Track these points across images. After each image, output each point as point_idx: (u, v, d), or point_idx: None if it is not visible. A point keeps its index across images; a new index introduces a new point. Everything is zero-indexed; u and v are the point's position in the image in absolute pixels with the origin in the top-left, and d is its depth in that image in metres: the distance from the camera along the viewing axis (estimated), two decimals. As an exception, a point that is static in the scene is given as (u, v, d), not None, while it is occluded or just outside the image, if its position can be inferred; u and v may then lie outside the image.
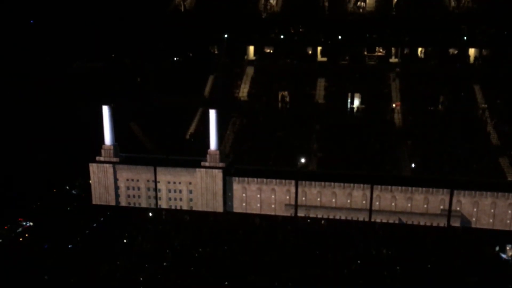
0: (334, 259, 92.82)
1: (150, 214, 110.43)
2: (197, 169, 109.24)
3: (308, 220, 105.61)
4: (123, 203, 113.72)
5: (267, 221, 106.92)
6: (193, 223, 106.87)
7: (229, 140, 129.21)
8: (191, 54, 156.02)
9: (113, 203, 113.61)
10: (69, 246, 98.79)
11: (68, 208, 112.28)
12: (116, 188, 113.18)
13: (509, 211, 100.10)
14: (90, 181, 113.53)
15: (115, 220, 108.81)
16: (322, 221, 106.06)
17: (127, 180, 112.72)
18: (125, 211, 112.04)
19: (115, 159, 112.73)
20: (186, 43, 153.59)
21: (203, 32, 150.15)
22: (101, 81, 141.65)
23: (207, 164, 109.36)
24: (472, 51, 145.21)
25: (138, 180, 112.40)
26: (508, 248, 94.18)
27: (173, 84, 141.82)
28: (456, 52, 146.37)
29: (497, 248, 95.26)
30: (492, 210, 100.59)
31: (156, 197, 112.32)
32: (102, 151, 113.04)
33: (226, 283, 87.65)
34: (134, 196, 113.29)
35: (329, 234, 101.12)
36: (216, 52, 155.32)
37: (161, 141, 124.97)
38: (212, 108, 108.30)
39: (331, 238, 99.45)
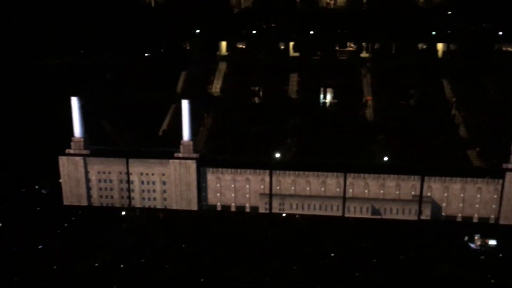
0: (310, 253, 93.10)
1: (123, 213, 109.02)
2: (171, 160, 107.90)
3: (283, 215, 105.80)
4: (94, 196, 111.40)
5: (242, 216, 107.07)
6: (168, 219, 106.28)
7: (203, 135, 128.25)
8: (163, 50, 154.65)
9: (84, 198, 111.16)
10: (39, 247, 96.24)
11: (38, 208, 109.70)
12: (87, 181, 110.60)
13: (478, 195, 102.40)
14: (60, 177, 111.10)
15: (87, 219, 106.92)
16: (297, 215, 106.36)
17: (99, 172, 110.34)
18: (97, 209, 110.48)
19: (85, 152, 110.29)
20: (158, 39, 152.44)
21: (175, 28, 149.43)
22: (70, 75, 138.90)
23: (180, 155, 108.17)
24: (440, 46, 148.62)
25: (110, 173, 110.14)
26: (476, 238, 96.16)
27: (145, 80, 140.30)
28: (425, 47, 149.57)
29: (466, 238, 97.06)
30: (462, 195, 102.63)
31: (128, 189, 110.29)
32: (72, 143, 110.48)
33: (202, 280, 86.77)
34: (106, 189, 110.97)
35: (304, 229, 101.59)
36: (188, 48, 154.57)
37: (134, 138, 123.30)
38: (185, 99, 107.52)
39: (306, 232, 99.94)
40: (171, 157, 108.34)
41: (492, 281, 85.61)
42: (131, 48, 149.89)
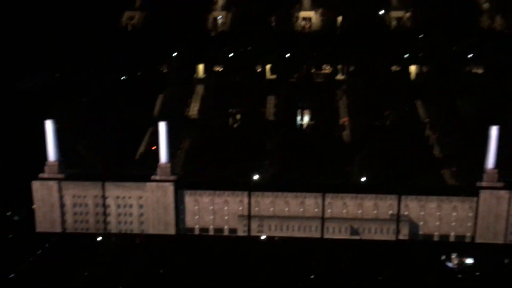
0: (289, 276, 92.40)
1: (99, 238, 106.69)
2: (148, 183, 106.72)
3: (263, 237, 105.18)
4: (69, 222, 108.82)
5: (222, 241, 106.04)
6: (145, 244, 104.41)
7: (180, 158, 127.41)
8: (139, 73, 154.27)
9: (59, 224, 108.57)
10: (11, 276, 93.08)
11: (10, 236, 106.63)
12: (62, 206, 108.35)
13: (454, 213, 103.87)
14: (34, 203, 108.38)
15: (61, 245, 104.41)
16: (276, 238, 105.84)
17: (74, 197, 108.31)
18: (72, 235, 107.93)
19: (60, 176, 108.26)
20: (135, 62, 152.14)
21: (151, 51, 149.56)
22: (45, 98, 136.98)
23: (157, 177, 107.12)
24: (413, 68, 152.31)
25: (85, 197, 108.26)
26: (453, 257, 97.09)
27: (122, 103, 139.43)
28: (398, 69, 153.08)
29: (443, 258, 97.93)
30: (438, 213, 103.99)
31: (104, 214, 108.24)
32: (46, 167, 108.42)
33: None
34: (81, 214, 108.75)
35: (283, 251, 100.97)
36: (165, 70, 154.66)
37: (110, 162, 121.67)
38: (161, 120, 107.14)
39: (285, 255, 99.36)
40: (148, 180, 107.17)
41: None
42: (107, 71, 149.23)
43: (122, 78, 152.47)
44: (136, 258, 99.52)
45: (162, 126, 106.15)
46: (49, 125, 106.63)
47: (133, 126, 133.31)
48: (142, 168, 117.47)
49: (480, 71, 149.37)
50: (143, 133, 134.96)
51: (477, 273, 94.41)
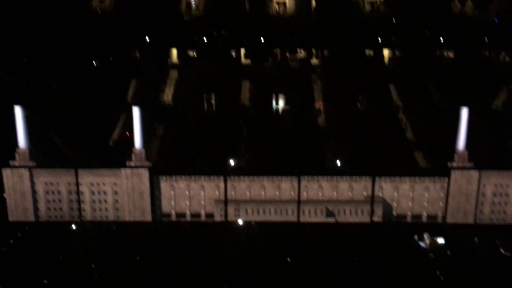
0: (267, 261, 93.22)
1: (73, 226, 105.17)
2: (122, 169, 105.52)
3: (240, 222, 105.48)
4: (42, 210, 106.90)
5: (197, 227, 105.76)
6: (121, 232, 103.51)
7: (155, 144, 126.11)
8: (111, 58, 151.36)
9: (31, 212, 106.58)
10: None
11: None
12: (34, 194, 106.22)
13: (426, 194, 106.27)
14: (4, 191, 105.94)
15: (35, 235, 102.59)
16: (252, 223, 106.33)
17: (46, 184, 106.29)
18: (45, 224, 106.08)
19: (31, 163, 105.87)
20: (106, 47, 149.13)
21: (123, 36, 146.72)
22: (13, 86, 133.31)
23: (132, 163, 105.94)
24: (386, 52, 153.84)
25: (58, 184, 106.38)
26: (425, 236, 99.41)
27: (94, 90, 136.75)
28: (372, 53, 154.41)
29: (416, 237, 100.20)
30: (411, 194, 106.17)
31: (78, 201, 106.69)
32: (16, 155, 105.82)
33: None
34: (54, 201, 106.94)
35: (260, 236, 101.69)
36: (138, 56, 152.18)
37: (84, 149, 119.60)
38: (135, 105, 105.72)
39: (262, 240, 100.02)
40: (123, 166, 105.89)
41: (441, 278, 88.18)
42: (78, 56, 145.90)
43: (93, 63, 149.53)
44: (112, 246, 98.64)
45: (135, 111, 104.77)
46: (18, 112, 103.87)
47: (105, 113, 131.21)
48: (116, 155, 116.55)
49: (451, 55, 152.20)
50: (116, 119, 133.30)
51: (448, 252, 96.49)
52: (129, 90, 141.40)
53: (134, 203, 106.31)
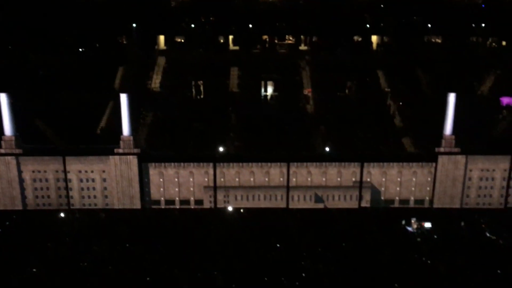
0: (256, 247, 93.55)
1: (62, 214, 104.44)
2: (111, 156, 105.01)
3: (230, 209, 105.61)
4: (30, 198, 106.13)
5: (187, 214, 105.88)
6: (110, 219, 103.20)
7: (143, 132, 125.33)
8: (98, 45, 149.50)
9: (19, 200, 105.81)
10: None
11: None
12: (21, 182, 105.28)
13: (413, 179, 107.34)
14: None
15: (23, 223, 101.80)
16: (241, 210, 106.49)
17: (33, 172, 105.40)
18: (33, 212, 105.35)
19: (17, 151, 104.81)
20: (92, 33, 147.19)
21: (110, 22, 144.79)
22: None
23: (120, 150, 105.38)
24: (374, 39, 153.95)
25: (45, 172, 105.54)
26: (413, 221, 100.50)
27: (81, 77, 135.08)
28: (360, 39, 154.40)
29: (403, 222, 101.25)
30: (399, 179, 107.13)
31: (66, 189, 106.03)
32: (2, 142, 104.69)
33: (148, 278, 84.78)
34: (42, 189, 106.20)
35: (249, 222, 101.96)
36: (125, 42, 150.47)
37: (71, 137, 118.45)
38: (123, 92, 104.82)
39: (251, 226, 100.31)
40: (111, 153, 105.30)
41: (428, 261, 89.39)
42: (64, 43, 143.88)
43: (80, 50, 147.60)
44: (101, 233, 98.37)
45: (123, 98, 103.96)
46: (3, 99, 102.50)
47: (93, 100, 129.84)
48: (104, 143, 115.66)
49: (439, 40, 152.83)
50: (103, 107, 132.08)
51: (435, 236, 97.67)
52: (116, 77, 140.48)
53: (123, 190, 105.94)
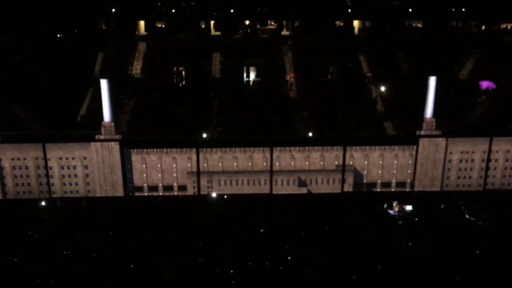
0: (240, 232, 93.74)
1: (43, 203, 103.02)
2: (92, 143, 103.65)
3: (213, 195, 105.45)
4: (9, 186, 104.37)
5: (170, 201, 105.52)
6: (93, 206, 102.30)
7: (124, 118, 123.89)
8: (76, 31, 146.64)
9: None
10: None
11: None
12: (0, 170, 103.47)
13: (395, 162, 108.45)
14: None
15: (3, 213, 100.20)
16: (225, 196, 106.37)
17: (13, 159, 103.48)
18: (14, 201, 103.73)
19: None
20: (71, 19, 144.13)
21: (88, 6, 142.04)
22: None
23: (102, 137, 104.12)
24: (356, 23, 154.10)
25: (25, 159, 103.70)
26: (394, 204, 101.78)
27: (60, 63, 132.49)
28: (342, 24, 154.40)
29: (385, 206, 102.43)
30: (381, 162, 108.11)
31: (47, 176, 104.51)
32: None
33: (132, 266, 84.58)
34: (22, 177, 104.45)
35: (233, 208, 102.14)
36: (104, 27, 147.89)
37: (51, 124, 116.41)
38: (103, 78, 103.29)
39: (235, 212, 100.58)
40: (92, 140, 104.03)
41: (410, 243, 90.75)
42: (41, 28, 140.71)
43: (58, 36, 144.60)
44: (84, 222, 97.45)
45: (103, 84, 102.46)
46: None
47: (72, 87, 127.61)
48: (85, 130, 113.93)
49: (419, 25, 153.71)
50: (84, 93, 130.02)
51: (416, 219, 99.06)
52: (96, 63, 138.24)
53: (105, 177, 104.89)
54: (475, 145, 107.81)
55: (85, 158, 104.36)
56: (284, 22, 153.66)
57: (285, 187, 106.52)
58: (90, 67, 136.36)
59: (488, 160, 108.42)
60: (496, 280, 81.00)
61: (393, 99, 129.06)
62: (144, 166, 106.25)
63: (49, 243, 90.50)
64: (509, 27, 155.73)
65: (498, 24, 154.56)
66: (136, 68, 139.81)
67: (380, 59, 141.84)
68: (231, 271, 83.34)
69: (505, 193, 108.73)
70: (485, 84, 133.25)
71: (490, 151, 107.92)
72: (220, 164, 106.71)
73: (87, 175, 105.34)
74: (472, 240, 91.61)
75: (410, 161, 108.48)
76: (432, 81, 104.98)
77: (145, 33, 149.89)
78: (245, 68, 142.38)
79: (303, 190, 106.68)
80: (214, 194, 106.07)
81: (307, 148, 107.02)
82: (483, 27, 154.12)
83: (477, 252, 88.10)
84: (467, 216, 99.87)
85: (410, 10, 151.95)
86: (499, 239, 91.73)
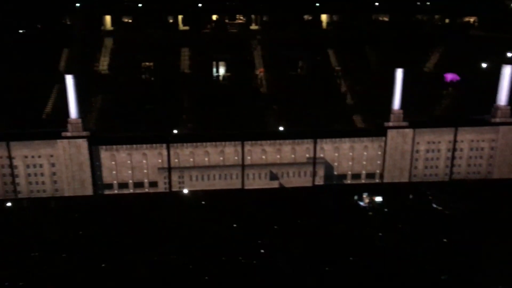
0: (212, 227, 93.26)
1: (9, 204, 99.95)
2: (59, 140, 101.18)
3: (185, 191, 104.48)
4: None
5: (141, 198, 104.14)
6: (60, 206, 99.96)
7: (92, 115, 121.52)
8: (39, 26, 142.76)
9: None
10: None
11: None
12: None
13: (365, 153, 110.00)
14: None
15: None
16: (197, 192, 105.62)
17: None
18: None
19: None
20: (34, 14, 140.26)
21: (52, 1, 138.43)
22: None
23: (69, 134, 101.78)
24: (324, 17, 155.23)
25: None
26: (364, 196, 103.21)
27: (23, 60, 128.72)
28: (310, 18, 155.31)
29: (355, 197, 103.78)
30: (351, 154, 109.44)
31: (12, 175, 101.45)
32: None
33: (103, 265, 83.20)
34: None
35: (205, 204, 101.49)
36: (69, 23, 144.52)
37: (14, 123, 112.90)
38: (68, 73, 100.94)
39: (207, 207, 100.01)
40: (59, 137, 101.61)
41: (380, 234, 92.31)
42: (4, 24, 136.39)
43: (20, 31, 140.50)
44: (52, 221, 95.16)
45: (69, 80, 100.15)
46: None
47: (37, 84, 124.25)
48: (51, 127, 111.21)
49: (386, 19, 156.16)
50: (49, 91, 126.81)
51: (385, 210, 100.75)
52: (61, 59, 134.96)
53: (73, 175, 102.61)
54: (441, 135, 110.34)
55: (51, 156, 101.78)
56: (253, 17, 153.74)
57: (257, 180, 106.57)
58: (55, 64, 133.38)
59: (454, 149, 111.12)
60: (462, 267, 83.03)
61: (361, 92, 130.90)
62: (113, 163, 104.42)
63: (16, 245, 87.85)
64: (471, 20, 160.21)
65: (461, 18, 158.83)
66: (103, 64, 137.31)
67: (348, 53, 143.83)
68: (204, 267, 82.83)
69: (470, 183, 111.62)
70: (449, 76, 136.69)
71: (455, 140, 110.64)
72: (192, 159, 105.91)
73: (54, 174, 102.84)
74: (440, 228, 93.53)
75: (379, 152, 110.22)
76: (399, 73, 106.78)
77: (111, 28, 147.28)
78: (214, 63, 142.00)
79: (275, 184, 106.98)
80: (185, 190, 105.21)
81: (278, 141, 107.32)
82: (447, 21, 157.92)
83: (444, 240, 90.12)
84: (434, 206, 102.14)
85: (377, 4, 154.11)
86: (465, 227, 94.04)
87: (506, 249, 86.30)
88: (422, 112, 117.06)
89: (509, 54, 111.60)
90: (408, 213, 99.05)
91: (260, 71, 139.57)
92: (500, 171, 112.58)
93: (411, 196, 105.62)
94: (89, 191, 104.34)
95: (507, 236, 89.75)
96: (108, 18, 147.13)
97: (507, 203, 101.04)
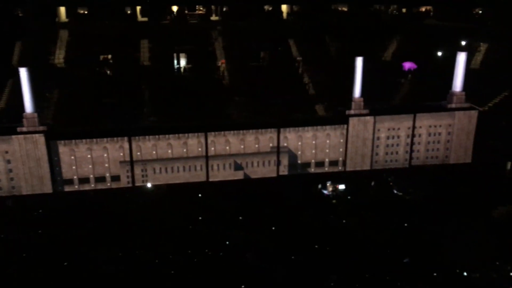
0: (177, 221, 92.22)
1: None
2: (14, 136, 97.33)
3: (149, 186, 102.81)
4: None
5: (103, 193, 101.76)
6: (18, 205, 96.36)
7: (49, 110, 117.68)
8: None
9: None
10: None
11: None
12: None
13: (327, 141, 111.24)
14: None
15: None
16: (161, 185, 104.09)
17: None
18: None
19: None
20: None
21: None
22: None
23: (24, 129, 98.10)
24: (284, 8, 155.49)
25: None
26: (328, 184, 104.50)
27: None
28: (270, 9, 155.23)
29: (319, 186, 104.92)
30: (314, 142, 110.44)
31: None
32: None
33: (65, 263, 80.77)
34: None
35: (170, 197, 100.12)
36: (21, 14, 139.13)
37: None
38: (22, 66, 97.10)
39: (172, 201, 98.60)
40: (14, 133, 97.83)
41: (344, 221, 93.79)
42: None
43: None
44: (10, 221, 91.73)
45: (23, 73, 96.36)
46: None
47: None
48: (5, 123, 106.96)
49: (345, 8, 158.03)
50: (2, 86, 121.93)
51: (349, 197, 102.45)
52: (14, 53, 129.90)
53: (31, 171, 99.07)
54: (401, 122, 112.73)
55: (6, 152, 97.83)
56: (213, 7, 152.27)
57: (222, 171, 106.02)
58: (8, 57, 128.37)
59: (413, 135, 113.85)
60: (422, 250, 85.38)
61: (323, 81, 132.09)
62: (73, 158, 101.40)
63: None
64: (427, 9, 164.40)
65: (417, 7, 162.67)
66: (59, 57, 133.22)
67: (309, 43, 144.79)
68: (171, 261, 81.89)
69: (428, 168, 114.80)
70: (407, 65, 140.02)
71: (414, 126, 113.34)
72: (154, 152, 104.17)
73: (10, 171, 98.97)
74: (401, 214, 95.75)
75: (342, 140, 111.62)
76: (359, 61, 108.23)
77: (66, 20, 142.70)
78: (175, 55, 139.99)
79: (240, 174, 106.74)
80: (149, 184, 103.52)
81: (241, 131, 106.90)
82: (404, 10, 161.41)
83: (405, 224, 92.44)
84: (395, 192, 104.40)
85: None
86: (424, 211, 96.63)
87: (464, 231, 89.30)
88: (382, 100, 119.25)
89: (463, 42, 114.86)
90: (371, 200, 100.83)
91: (221, 62, 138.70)
92: (457, 156, 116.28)
93: (373, 183, 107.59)
94: (48, 187, 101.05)
95: (464, 219, 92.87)
96: (62, 9, 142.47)
97: (463, 187, 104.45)
